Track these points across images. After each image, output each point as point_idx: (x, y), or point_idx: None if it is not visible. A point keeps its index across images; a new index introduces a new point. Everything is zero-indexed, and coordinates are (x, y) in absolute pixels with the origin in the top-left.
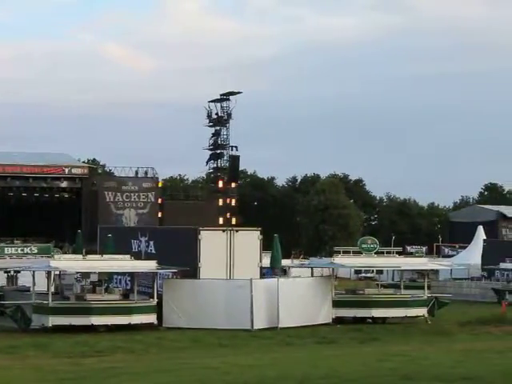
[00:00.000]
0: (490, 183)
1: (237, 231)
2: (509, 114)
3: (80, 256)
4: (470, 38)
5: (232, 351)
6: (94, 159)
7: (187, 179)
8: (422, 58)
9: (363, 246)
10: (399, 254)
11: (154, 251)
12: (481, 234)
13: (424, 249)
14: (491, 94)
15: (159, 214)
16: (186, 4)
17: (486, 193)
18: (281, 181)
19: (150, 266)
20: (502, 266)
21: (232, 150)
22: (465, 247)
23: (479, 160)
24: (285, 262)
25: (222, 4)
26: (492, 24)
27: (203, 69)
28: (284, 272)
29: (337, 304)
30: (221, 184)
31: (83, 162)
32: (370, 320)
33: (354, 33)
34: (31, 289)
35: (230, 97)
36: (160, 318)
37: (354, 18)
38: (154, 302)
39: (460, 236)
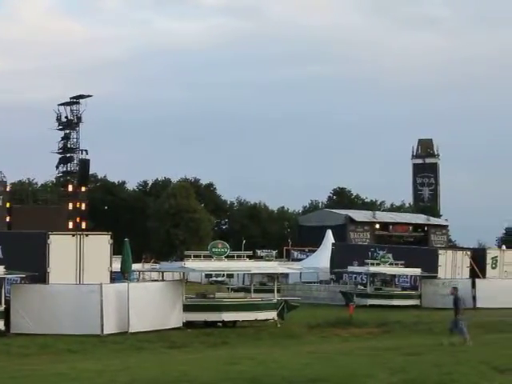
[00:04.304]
0: (339, 188)
1: (87, 235)
2: (353, 121)
3: None
4: (315, 46)
5: (82, 357)
6: None
7: (36, 183)
8: (266, 64)
9: (214, 249)
10: (249, 257)
11: (1, 256)
12: (330, 237)
13: (274, 252)
14: (338, 102)
15: (7, 219)
16: (34, 4)
17: (334, 197)
18: (132, 185)
19: None
20: (350, 269)
21: (82, 153)
22: (314, 251)
23: (327, 164)
24: (135, 267)
25: (71, 5)
26: (337, 33)
27: (52, 70)
28: None
29: (187, 308)
30: (70, 188)
31: None
32: (221, 324)
33: (202, 38)
34: None
35: (80, 100)
36: (8, 324)
37: (202, 23)
38: (2, 307)
39: (309, 240)
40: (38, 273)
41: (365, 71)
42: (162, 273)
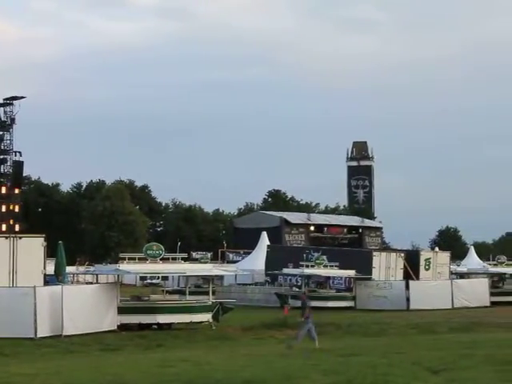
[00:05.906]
0: (274, 190)
1: (20, 238)
2: (286, 123)
3: None
4: (246, 48)
5: (15, 360)
6: None
7: None
8: (199, 66)
9: (149, 252)
10: (184, 260)
11: None
12: (265, 239)
13: (209, 255)
14: (270, 104)
15: None
16: None
17: (269, 199)
18: (66, 187)
19: None
20: (285, 271)
21: (15, 155)
22: (249, 253)
23: (262, 167)
24: (69, 269)
25: (4, 5)
26: (269, 35)
27: None
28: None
29: (122, 311)
30: (4, 190)
31: None
32: (156, 326)
33: (134, 39)
34: None
35: (14, 101)
36: None
37: (135, 24)
38: None
39: (244, 242)
40: None
41: (292, 73)
42: (97, 275)
